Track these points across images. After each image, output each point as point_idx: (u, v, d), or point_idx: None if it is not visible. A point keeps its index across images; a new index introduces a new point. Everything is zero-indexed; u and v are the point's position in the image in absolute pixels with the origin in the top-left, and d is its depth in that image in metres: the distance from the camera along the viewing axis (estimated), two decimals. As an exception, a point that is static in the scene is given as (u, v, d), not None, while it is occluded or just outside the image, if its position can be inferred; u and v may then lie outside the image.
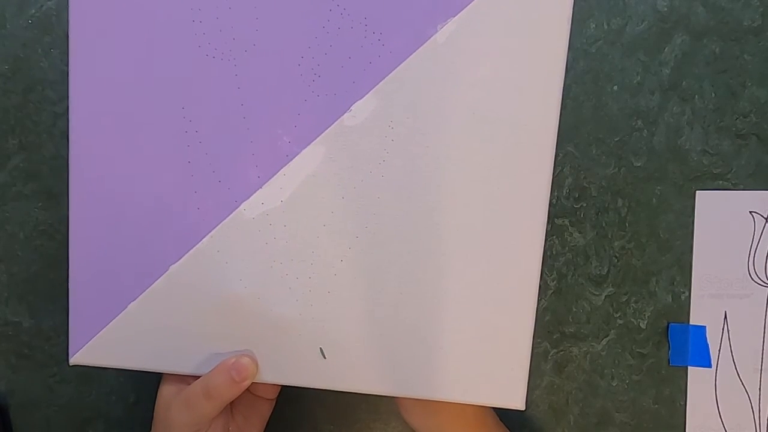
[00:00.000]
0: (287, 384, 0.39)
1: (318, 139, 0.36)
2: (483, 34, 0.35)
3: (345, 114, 0.36)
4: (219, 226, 0.37)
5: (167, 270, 0.37)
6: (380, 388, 0.37)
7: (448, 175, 0.36)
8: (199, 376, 0.37)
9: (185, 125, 0.36)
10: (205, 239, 0.37)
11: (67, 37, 0.36)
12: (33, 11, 0.48)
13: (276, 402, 0.44)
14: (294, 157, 0.36)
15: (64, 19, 0.48)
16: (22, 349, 0.47)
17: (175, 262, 0.37)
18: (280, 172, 0.36)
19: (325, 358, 0.37)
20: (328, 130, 0.36)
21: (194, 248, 0.37)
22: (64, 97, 0.48)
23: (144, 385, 0.47)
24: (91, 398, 0.47)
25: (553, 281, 0.47)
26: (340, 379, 0.37)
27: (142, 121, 0.36)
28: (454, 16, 0.35)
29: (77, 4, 0.36)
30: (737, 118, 0.48)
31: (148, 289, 0.37)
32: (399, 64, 0.35)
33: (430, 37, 0.35)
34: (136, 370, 0.39)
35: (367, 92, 0.35)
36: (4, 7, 0.48)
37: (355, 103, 0.36)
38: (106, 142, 0.37)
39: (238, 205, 0.36)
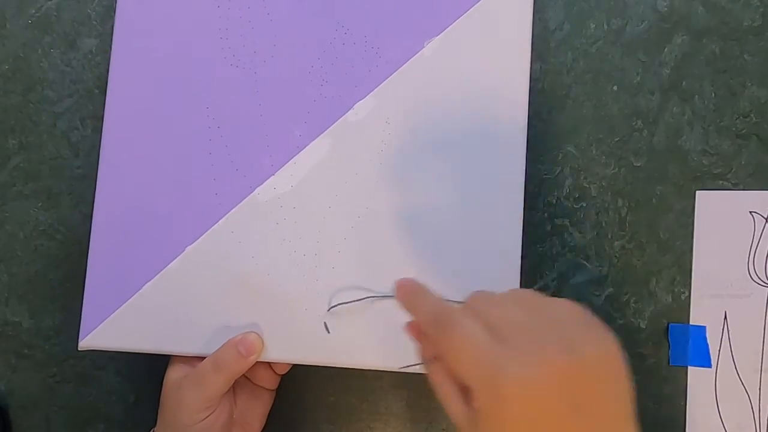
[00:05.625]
0: (292, 361, 0.41)
1: (325, 132, 0.42)
2: (462, 49, 0.42)
3: (348, 112, 0.42)
4: (234, 209, 0.41)
5: (184, 251, 0.41)
6: (381, 363, 0.40)
7: (436, 162, 0.41)
8: (206, 358, 0.39)
9: (209, 122, 0.42)
10: (220, 221, 0.41)
11: (112, 43, 0.41)
12: (33, 11, 0.48)
13: (275, 397, 0.44)
14: (304, 148, 0.42)
15: (64, 19, 0.48)
16: (22, 349, 0.47)
17: (192, 243, 0.41)
18: (291, 160, 0.42)
19: (329, 332, 0.40)
20: (333, 125, 0.42)
21: (210, 229, 0.41)
22: (64, 97, 0.48)
23: (144, 385, 0.47)
24: (91, 398, 0.47)
25: (553, 281, 0.47)
26: (344, 355, 0.40)
27: (171, 118, 0.42)
28: (438, 35, 0.42)
29: (122, 25, 0.43)
30: (737, 118, 0.48)
31: (163, 270, 0.41)
32: (393, 72, 0.42)
33: (418, 51, 0.42)
34: (141, 358, 0.39)
35: (367, 94, 0.42)
36: (4, 7, 0.48)
37: (357, 103, 0.42)
38: (137, 134, 0.42)
39: (253, 190, 0.41)
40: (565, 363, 0.27)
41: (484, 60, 0.42)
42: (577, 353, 0.28)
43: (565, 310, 0.30)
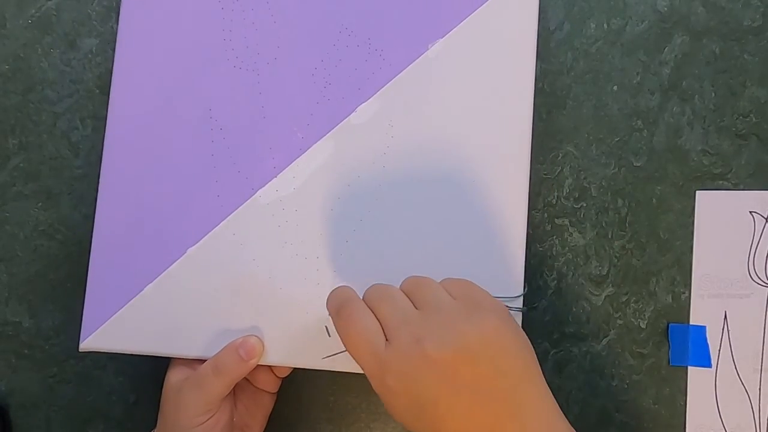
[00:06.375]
0: (293, 365, 0.41)
1: (328, 135, 0.42)
2: (466, 51, 0.42)
3: (351, 114, 0.42)
4: (236, 211, 0.41)
5: (185, 253, 0.41)
6: None
7: (440, 164, 0.41)
8: (206, 360, 0.39)
9: (211, 124, 0.42)
10: (222, 223, 0.41)
11: (115, 42, 0.42)
12: (33, 11, 0.48)
13: (276, 399, 0.44)
14: (306, 150, 0.42)
15: (64, 19, 0.48)
16: (22, 349, 0.47)
17: (193, 245, 0.41)
18: (293, 163, 0.41)
19: (329, 336, 0.40)
20: (336, 128, 0.42)
21: (211, 232, 0.41)
22: (64, 97, 0.48)
23: (144, 385, 0.47)
24: (91, 398, 0.47)
25: (553, 281, 0.47)
26: (344, 360, 0.39)
27: (173, 120, 0.42)
28: (443, 37, 0.42)
29: (126, 25, 0.42)
30: (737, 118, 0.48)
31: (165, 272, 0.41)
32: (397, 74, 0.42)
33: (422, 54, 0.42)
34: (142, 359, 0.39)
35: (371, 96, 0.42)
36: (4, 7, 0.48)
37: (360, 106, 0.42)
38: (139, 135, 0.42)
39: (254, 192, 0.41)
40: (438, 353, 0.31)
41: (488, 62, 0.42)
42: (452, 343, 0.32)
43: (449, 297, 0.34)
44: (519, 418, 0.32)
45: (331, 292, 0.37)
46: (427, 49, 0.42)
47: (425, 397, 0.32)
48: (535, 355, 0.34)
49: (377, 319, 0.34)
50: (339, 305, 0.35)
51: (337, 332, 0.35)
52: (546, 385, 0.33)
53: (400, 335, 0.32)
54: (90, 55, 0.48)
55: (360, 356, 0.33)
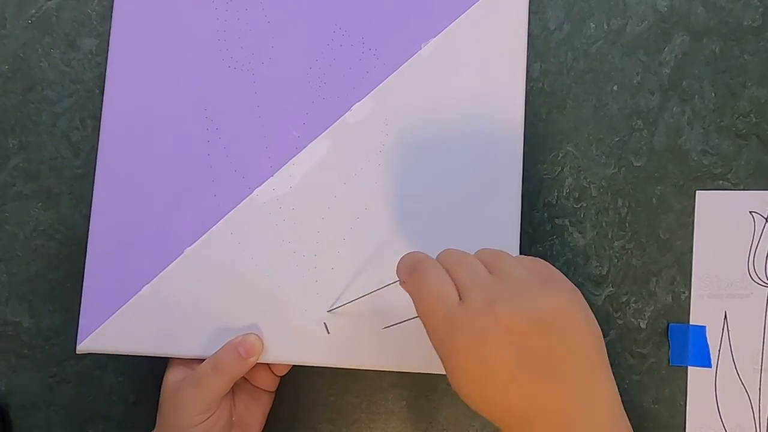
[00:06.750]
0: (292, 362, 0.41)
1: (323, 133, 0.42)
2: (459, 50, 0.43)
3: (347, 113, 0.42)
4: (233, 210, 0.41)
5: (182, 253, 0.41)
6: (381, 362, 0.40)
7: (435, 161, 0.42)
8: (205, 359, 0.39)
9: (207, 124, 0.42)
10: (219, 223, 0.41)
11: (108, 45, 0.42)
12: (33, 11, 0.48)
13: (275, 398, 0.44)
14: (302, 149, 0.42)
15: (64, 19, 0.48)
16: (22, 349, 0.47)
17: (190, 245, 0.41)
18: (290, 162, 0.42)
19: (328, 332, 0.40)
20: (332, 126, 0.42)
21: (209, 231, 0.41)
22: (64, 97, 0.48)
23: (144, 385, 0.47)
24: (91, 398, 0.47)
25: (553, 281, 0.47)
26: (344, 355, 0.40)
27: (169, 121, 0.42)
28: (435, 36, 0.43)
29: (120, 27, 0.43)
30: (737, 118, 0.47)
31: (162, 272, 0.41)
32: (391, 73, 0.42)
33: (416, 53, 0.43)
34: (142, 359, 0.39)
35: (365, 95, 0.42)
36: (4, 7, 0.48)
37: (355, 104, 0.42)
38: (135, 136, 0.42)
39: (252, 192, 0.41)
40: (510, 317, 0.30)
41: (481, 60, 0.42)
42: (524, 309, 0.31)
43: (524, 269, 0.33)
44: (587, 406, 0.30)
45: (403, 257, 0.36)
46: (421, 48, 0.43)
47: (491, 360, 0.30)
48: (605, 345, 0.33)
49: (452, 279, 0.33)
50: (413, 265, 0.34)
51: (409, 292, 0.34)
52: (613, 377, 0.32)
53: (474, 296, 0.31)
54: (90, 55, 0.48)
55: (431, 312, 0.32)
